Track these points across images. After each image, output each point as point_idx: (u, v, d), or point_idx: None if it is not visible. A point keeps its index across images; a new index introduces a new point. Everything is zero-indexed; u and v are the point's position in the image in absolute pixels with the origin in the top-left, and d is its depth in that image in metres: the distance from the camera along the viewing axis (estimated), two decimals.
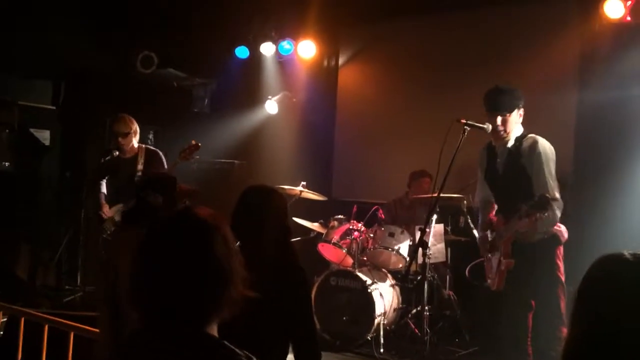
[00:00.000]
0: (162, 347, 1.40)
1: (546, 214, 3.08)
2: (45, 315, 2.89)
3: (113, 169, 4.89)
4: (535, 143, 3.36)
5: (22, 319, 2.98)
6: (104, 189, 4.99)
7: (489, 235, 3.58)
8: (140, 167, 4.84)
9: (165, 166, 4.94)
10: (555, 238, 3.40)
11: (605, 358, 1.23)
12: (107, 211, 4.83)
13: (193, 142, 4.72)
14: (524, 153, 3.39)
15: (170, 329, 1.40)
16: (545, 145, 3.38)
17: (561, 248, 3.41)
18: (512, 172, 3.43)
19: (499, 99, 3.42)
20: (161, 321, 1.41)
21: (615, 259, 1.32)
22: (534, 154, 3.35)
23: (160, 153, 5.02)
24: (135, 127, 4.90)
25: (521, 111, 3.45)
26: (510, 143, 3.44)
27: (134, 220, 2.75)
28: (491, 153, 3.60)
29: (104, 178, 4.99)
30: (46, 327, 2.82)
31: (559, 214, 3.30)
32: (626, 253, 1.31)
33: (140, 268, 1.45)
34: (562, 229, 3.60)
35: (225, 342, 1.40)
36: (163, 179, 3.02)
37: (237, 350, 1.38)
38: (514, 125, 3.43)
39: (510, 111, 3.39)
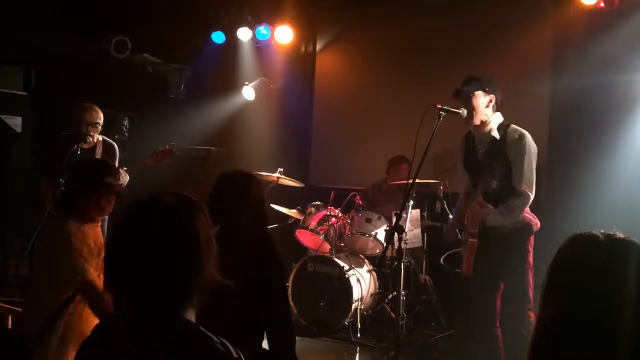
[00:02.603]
0: (135, 330, 1.38)
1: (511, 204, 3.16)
2: (7, 307, 2.84)
3: (75, 157, 4.78)
4: (523, 136, 3.41)
5: None
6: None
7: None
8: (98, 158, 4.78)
9: (117, 159, 4.87)
10: (527, 227, 3.45)
11: (578, 339, 1.23)
12: None
13: (168, 146, 4.70)
14: (508, 142, 3.41)
15: (144, 313, 1.39)
16: (532, 142, 3.43)
17: (532, 237, 3.47)
18: (494, 161, 3.45)
19: (465, 82, 3.46)
20: (135, 304, 1.40)
21: (586, 239, 1.30)
22: (520, 145, 3.39)
23: (116, 146, 4.95)
24: (102, 118, 4.82)
25: (490, 96, 3.46)
26: (494, 132, 3.46)
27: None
28: (470, 142, 3.61)
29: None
30: (10, 318, 2.78)
31: (519, 211, 3.37)
32: (597, 232, 1.30)
33: (117, 248, 1.43)
34: (536, 219, 3.65)
35: (201, 328, 1.39)
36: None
37: (212, 335, 1.37)
38: (482, 107, 3.44)
39: (475, 90, 3.42)
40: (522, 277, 3.35)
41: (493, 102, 3.47)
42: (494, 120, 3.48)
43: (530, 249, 3.42)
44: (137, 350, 1.35)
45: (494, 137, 3.45)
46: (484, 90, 3.44)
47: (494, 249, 3.36)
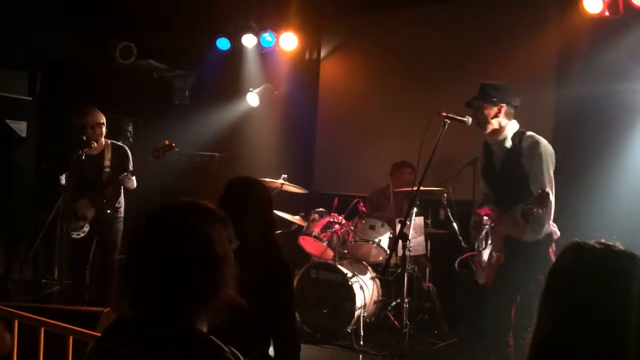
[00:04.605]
0: (148, 337, 1.38)
1: (543, 210, 3.14)
2: (14, 311, 2.81)
3: (82, 163, 4.79)
4: (537, 143, 3.39)
5: None
6: (63, 182, 4.83)
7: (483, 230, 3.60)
8: (107, 162, 4.79)
9: (131, 161, 4.89)
10: (549, 237, 3.43)
11: (575, 349, 1.22)
12: (79, 208, 4.70)
13: (167, 142, 4.67)
14: (524, 152, 3.40)
15: (157, 322, 1.39)
16: (547, 147, 3.41)
17: (554, 245, 3.45)
18: (510, 170, 3.44)
19: (478, 92, 3.46)
20: (149, 313, 1.40)
21: (584, 248, 1.30)
22: (536, 154, 3.37)
23: (127, 148, 4.96)
24: (105, 119, 4.83)
25: (499, 106, 3.44)
26: (508, 141, 3.45)
27: None
28: (487, 150, 3.62)
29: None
30: (16, 323, 2.75)
31: (548, 222, 3.34)
32: (594, 242, 1.29)
33: (135, 257, 1.43)
34: (555, 227, 3.63)
35: (212, 338, 1.39)
36: None
37: (223, 345, 1.37)
38: (490, 118, 3.44)
39: (482, 102, 3.42)
40: (539, 288, 3.32)
41: (503, 110, 3.46)
42: (510, 128, 3.48)
43: (553, 257, 3.40)
44: (148, 358, 1.35)
45: (507, 147, 3.45)
46: (490, 102, 3.43)
47: (515, 258, 3.33)
